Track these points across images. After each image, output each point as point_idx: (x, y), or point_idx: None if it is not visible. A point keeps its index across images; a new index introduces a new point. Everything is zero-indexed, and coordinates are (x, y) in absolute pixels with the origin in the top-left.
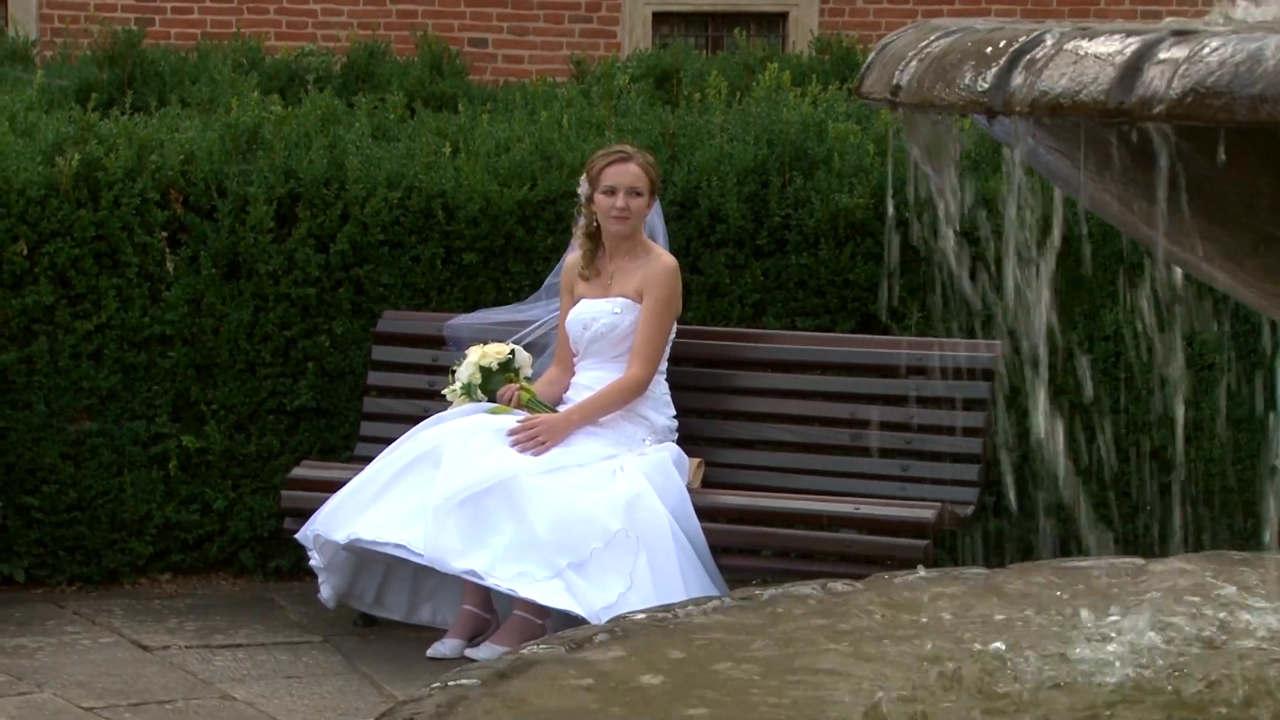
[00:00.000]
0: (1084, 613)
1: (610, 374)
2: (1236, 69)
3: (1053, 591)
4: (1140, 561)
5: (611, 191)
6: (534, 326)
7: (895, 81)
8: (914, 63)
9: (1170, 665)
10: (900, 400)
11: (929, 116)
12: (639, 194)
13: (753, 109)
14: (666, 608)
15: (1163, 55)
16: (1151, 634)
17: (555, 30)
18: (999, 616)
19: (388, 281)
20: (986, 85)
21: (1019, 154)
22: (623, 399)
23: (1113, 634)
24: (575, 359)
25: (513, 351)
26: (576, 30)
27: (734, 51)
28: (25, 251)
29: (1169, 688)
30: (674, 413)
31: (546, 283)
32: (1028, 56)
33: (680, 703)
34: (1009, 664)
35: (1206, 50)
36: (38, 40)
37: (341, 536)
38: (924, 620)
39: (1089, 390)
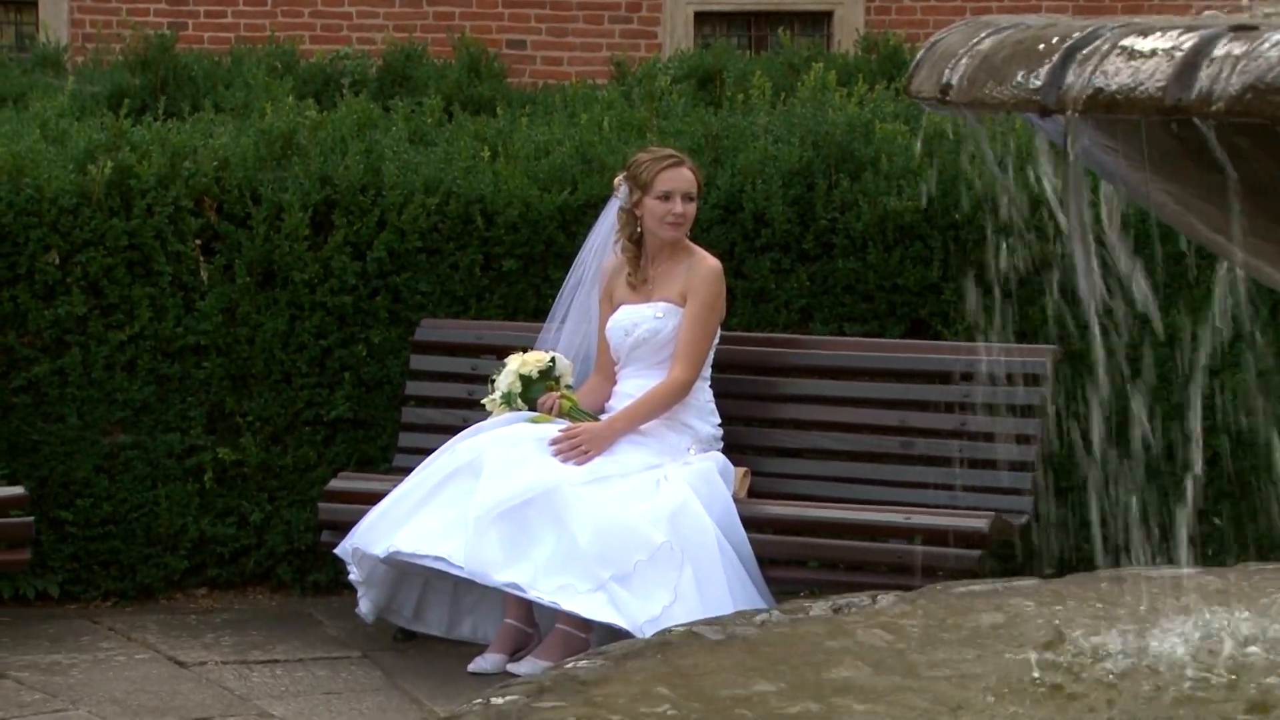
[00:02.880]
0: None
1: (654, 381)
2: None
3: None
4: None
5: (667, 197)
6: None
7: (945, 80)
8: (964, 60)
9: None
10: (951, 407)
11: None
12: (691, 199)
13: (797, 110)
14: (713, 620)
15: (1220, 51)
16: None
17: (595, 31)
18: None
19: (425, 289)
20: (1039, 83)
21: (1072, 153)
22: (666, 403)
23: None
24: (616, 367)
25: (553, 359)
26: (616, 31)
27: (778, 51)
28: (57, 261)
29: None
30: (719, 421)
31: (563, 300)
32: (1081, 53)
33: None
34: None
35: (1266, 45)
36: (69, 46)
37: (380, 550)
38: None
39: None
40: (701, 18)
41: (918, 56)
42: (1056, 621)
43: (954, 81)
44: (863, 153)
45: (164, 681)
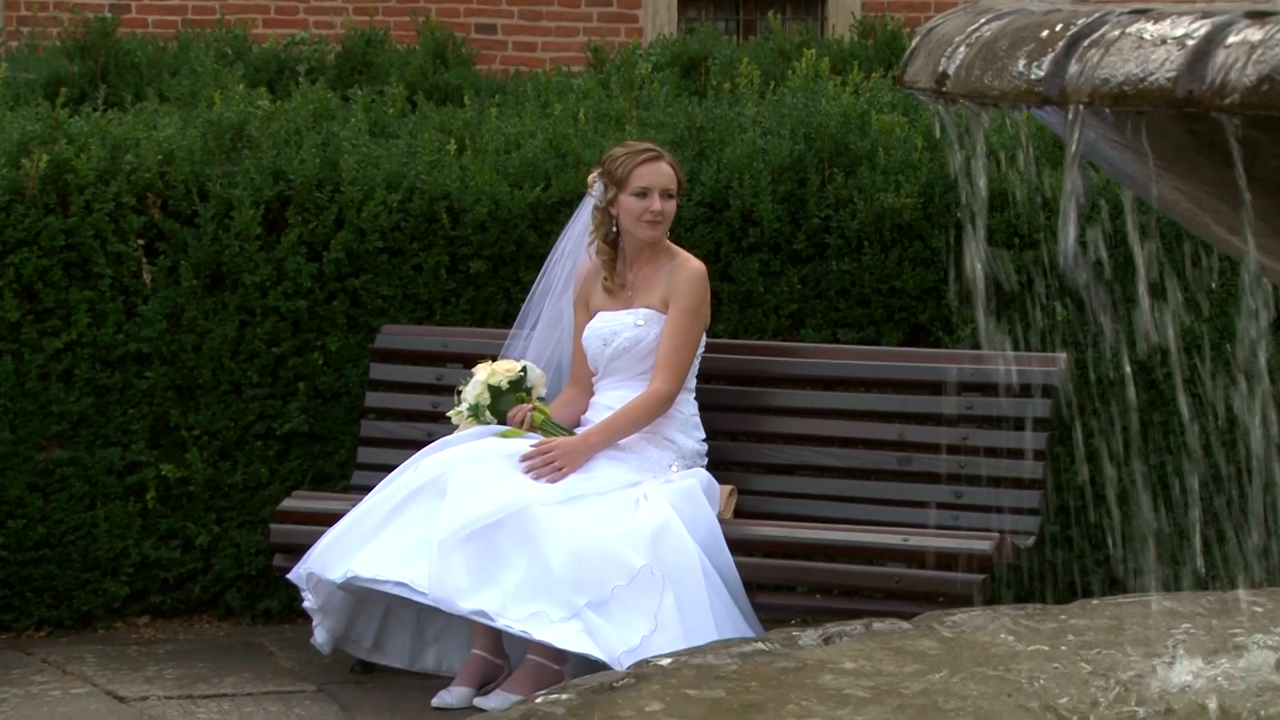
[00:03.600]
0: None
1: (634, 393)
2: None
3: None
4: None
5: (643, 194)
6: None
7: (942, 70)
8: (962, 49)
9: None
10: (953, 420)
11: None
12: (671, 196)
13: (788, 100)
14: (696, 650)
15: (1235, 38)
16: None
17: (571, 15)
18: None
19: (387, 293)
20: (1041, 73)
21: (1074, 148)
22: (646, 416)
23: None
24: (594, 378)
25: (524, 369)
26: (594, 14)
27: (768, 37)
28: None
29: None
30: (703, 435)
31: (533, 305)
32: (1087, 41)
33: None
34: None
35: None
36: (2, 30)
37: (337, 575)
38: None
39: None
40: (686, 1)
41: (912, 44)
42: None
43: (951, 71)
44: (858, 146)
45: (102, 718)
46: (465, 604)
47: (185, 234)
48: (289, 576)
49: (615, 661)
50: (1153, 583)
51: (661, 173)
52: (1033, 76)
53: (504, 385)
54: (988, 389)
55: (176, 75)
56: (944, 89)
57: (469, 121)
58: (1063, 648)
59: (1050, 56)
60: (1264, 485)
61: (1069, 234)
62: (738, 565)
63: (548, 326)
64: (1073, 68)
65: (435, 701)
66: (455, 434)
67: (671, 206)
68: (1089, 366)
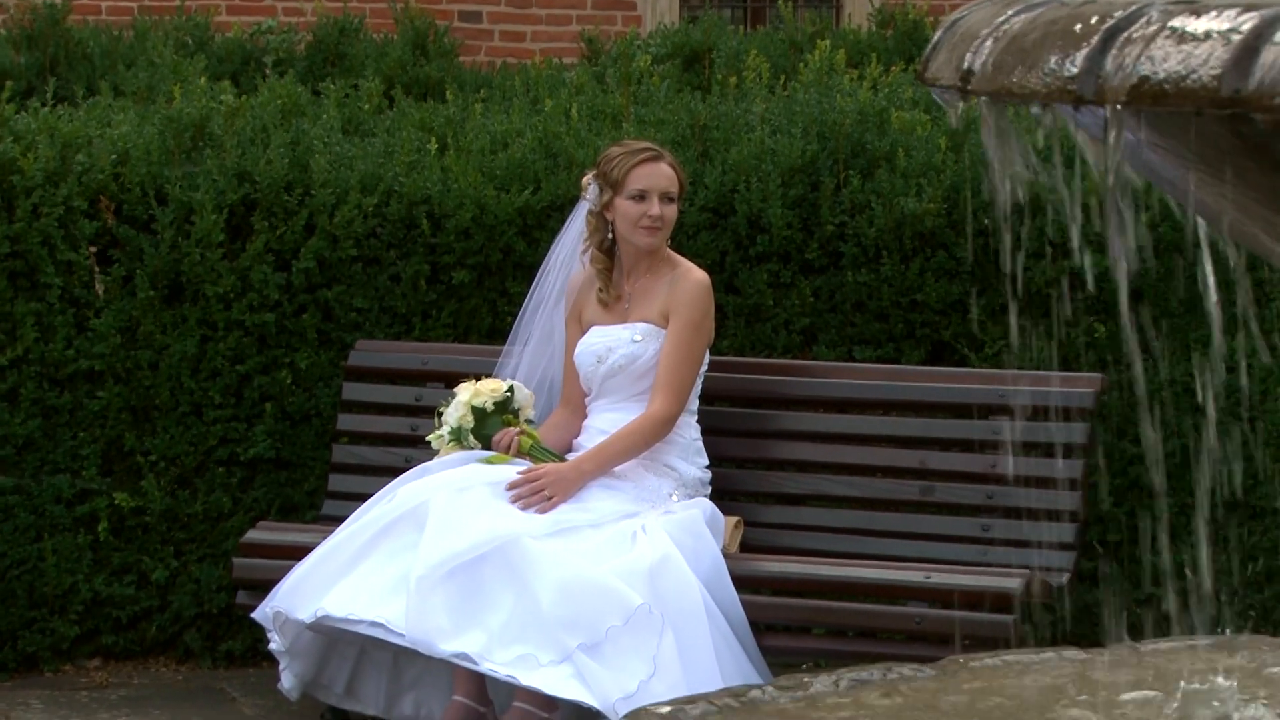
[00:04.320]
0: None
1: (630, 415)
2: None
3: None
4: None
5: (641, 197)
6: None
7: (967, 66)
8: (989, 43)
9: None
10: (980, 446)
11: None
12: (671, 200)
13: (800, 95)
14: (698, 697)
15: None
16: None
17: (563, 1)
18: None
19: (361, 305)
20: (1075, 70)
21: (1113, 153)
22: (644, 440)
23: None
24: (587, 399)
25: (511, 388)
26: (589, 2)
27: (778, 26)
28: None
29: None
30: (706, 462)
31: (525, 320)
32: (1124, 35)
33: None
34: None
35: None
36: None
37: (306, 614)
38: None
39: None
40: None
41: (935, 38)
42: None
43: (976, 68)
44: (877, 146)
45: None
46: (446, 646)
47: (141, 241)
48: (254, 615)
49: (610, 709)
50: (1197, 624)
51: (661, 174)
52: (1065, 74)
53: (489, 407)
54: (1018, 412)
55: (132, 67)
56: (969, 87)
57: (451, 118)
58: (1102, 694)
59: (1084, 52)
60: None
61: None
62: (744, 604)
63: (539, 343)
64: (1109, 64)
65: None
66: (435, 460)
67: (672, 211)
68: (1126, 388)
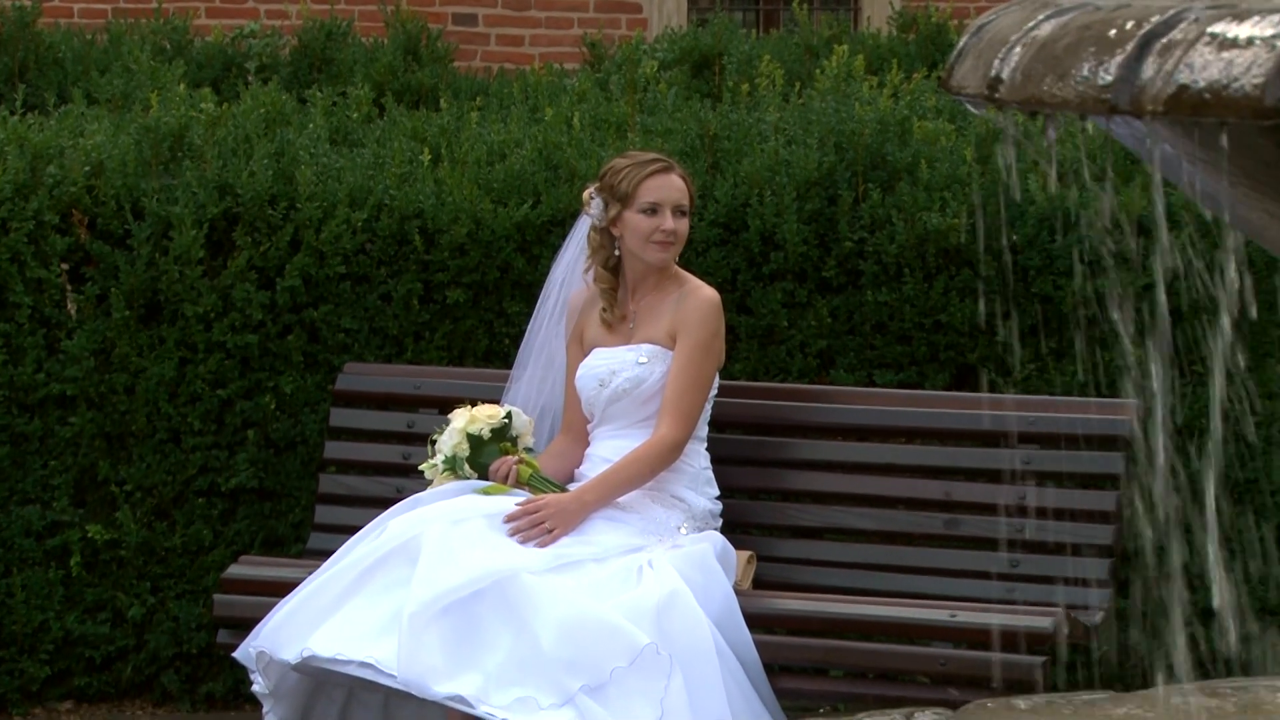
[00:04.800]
0: None
1: (635, 443)
2: None
3: None
4: None
5: (653, 210)
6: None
7: (994, 73)
8: (1018, 49)
9: None
10: (1009, 476)
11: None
12: (684, 213)
13: (816, 104)
14: None
15: None
16: None
17: (564, 4)
18: None
19: (350, 326)
20: (1110, 78)
21: (1155, 166)
22: (650, 468)
23: None
24: (589, 425)
25: (509, 415)
26: (591, 4)
27: (792, 30)
28: None
29: None
30: (717, 493)
31: (529, 341)
32: (1161, 41)
33: None
34: None
35: None
36: None
37: (292, 654)
38: None
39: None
40: None
41: (960, 43)
42: None
43: (1005, 76)
44: (898, 157)
45: None
46: (440, 687)
47: (116, 257)
48: (235, 656)
49: None
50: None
51: (673, 186)
52: (1099, 82)
53: (485, 434)
54: (1049, 440)
55: (106, 73)
56: (996, 96)
57: (446, 128)
58: None
59: (1119, 59)
60: None
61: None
62: (757, 644)
63: (540, 367)
64: (1145, 72)
65: None
66: (429, 491)
67: (685, 225)
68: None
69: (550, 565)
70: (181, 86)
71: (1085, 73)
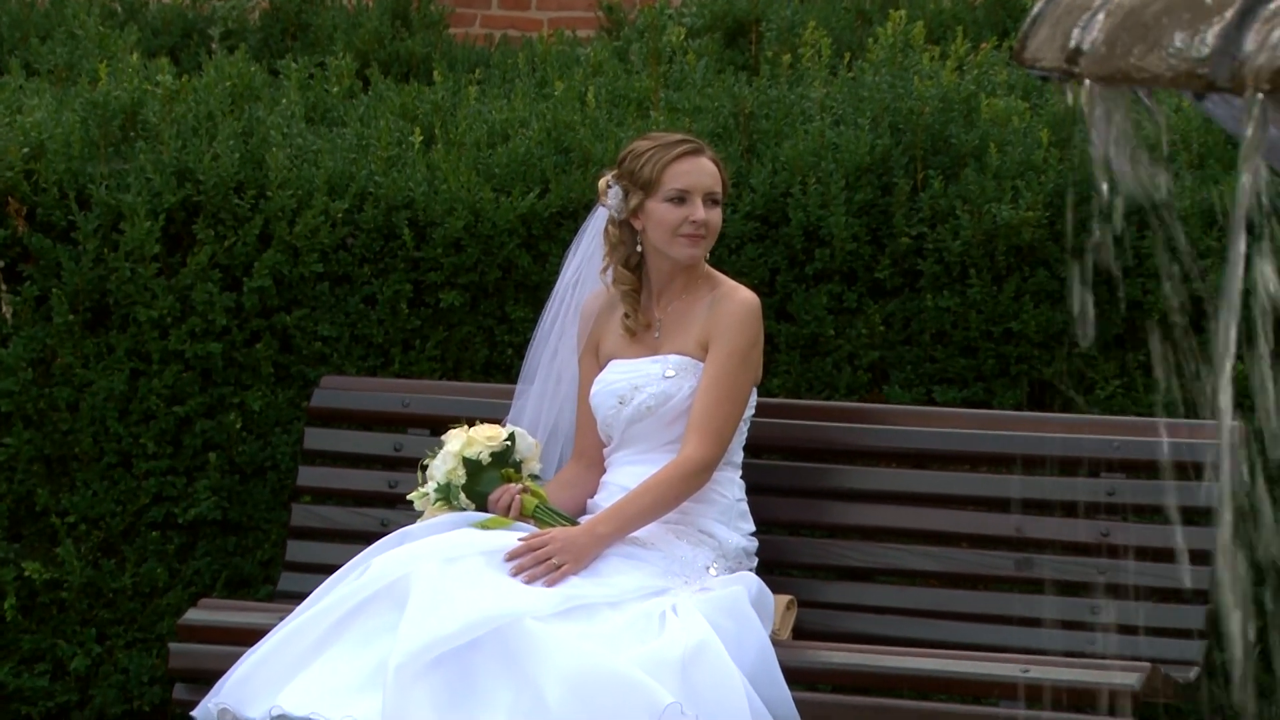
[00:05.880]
0: None
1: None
2: None
3: None
4: None
5: (681, 199)
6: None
7: (1074, 44)
8: (1100, 16)
9: None
10: (1089, 510)
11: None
12: (716, 202)
13: (869, 78)
14: None
15: None
16: None
17: None
18: None
19: (328, 333)
20: (1207, 49)
21: (1253, 148)
22: (674, 493)
23: None
24: (606, 449)
25: (512, 436)
26: None
27: None
28: None
29: None
30: (752, 528)
31: (535, 351)
32: (1268, 8)
33: None
34: None
35: None
36: None
37: (259, 712)
38: None
39: None
40: None
41: (1035, 9)
42: None
43: (1086, 46)
44: (963, 140)
45: None
46: None
47: (59, 253)
48: (194, 715)
49: None
50: None
51: (705, 171)
52: (1195, 55)
53: (485, 458)
54: (1137, 468)
55: (48, 40)
56: (1076, 69)
57: (440, 104)
58: None
59: (1217, 28)
60: None
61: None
62: (798, 702)
63: (548, 382)
64: (1248, 43)
65: None
66: (419, 523)
67: (717, 216)
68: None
69: (558, 609)
70: (134, 56)
71: (1178, 43)
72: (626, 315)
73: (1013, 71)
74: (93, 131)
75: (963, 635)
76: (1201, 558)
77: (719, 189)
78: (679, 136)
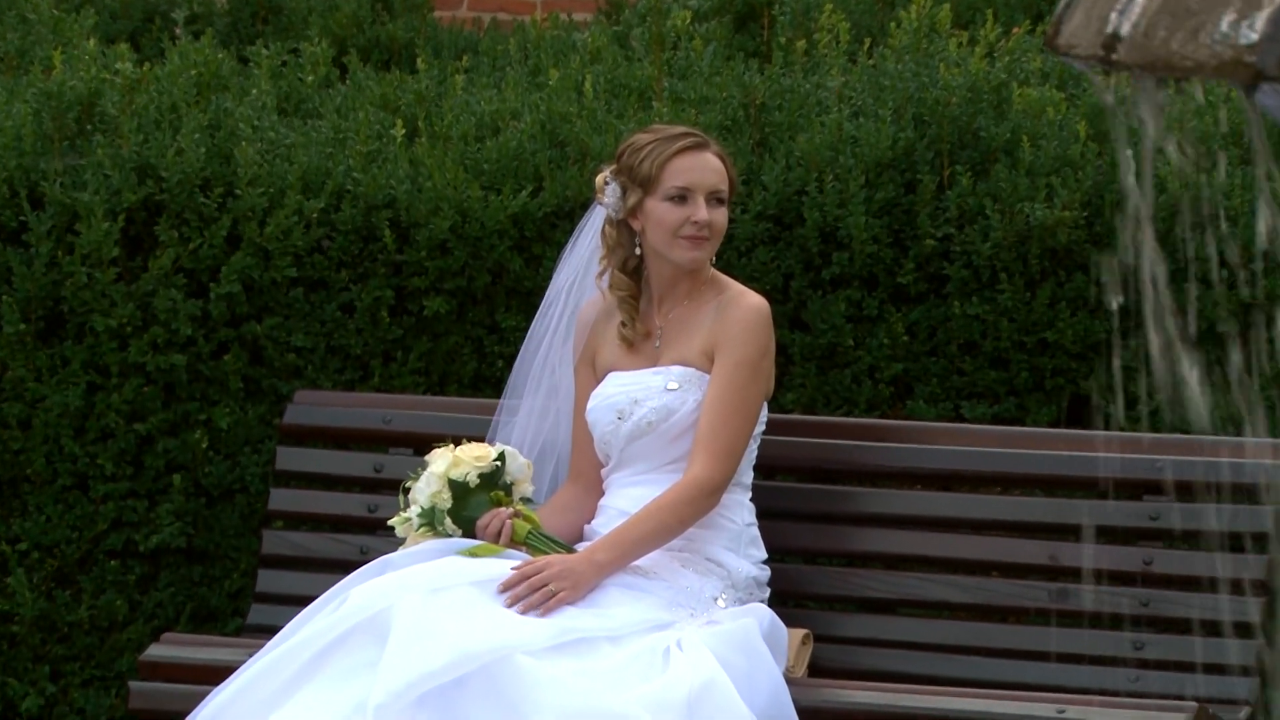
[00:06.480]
0: None
1: (663, 491)
2: None
3: None
4: None
5: (682, 197)
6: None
7: (1111, 29)
8: (1140, 1)
9: None
10: (1132, 535)
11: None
12: (721, 201)
13: (891, 65)
14: None
15: None
16: None
17: None
18: None
19: (303, 344)
20: (1254, 36)
21: None
22: (679, 517)
23: None
24: (604, 470)
25: (502, 456)
26: None
27: None
28: None
29: None
30: (764, 556)
31: (527, 363)
32: None
33: None
34: None
35: None
36: None
37: None
38: None
39: None
40: None
41: None
42: None
43: (1125, 32)
44: (993, 134)
45: None
46: None
47: (9, 257)
48: None
49: None
50: None
51: (708, 167)
52: (1242, 41)
53: (472, 480)
54: (1184, 490)
55: None
56: (1114, 57)
57: (424, 94)
58: None
59: (1267, 12)
60: None
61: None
62: None
63: (539, 395)
64: None
65: None
66: (401, 551)
67: (722, 216)
68: None
69: (553, 643)
70: (91, 42)
71: (1224, 29)
72: (623, 324)
73: (1047, 59)
74: (46, 124)
75: (994, 672)
76: (1252, 587)
77: (724, 187)
78: (682, 129)
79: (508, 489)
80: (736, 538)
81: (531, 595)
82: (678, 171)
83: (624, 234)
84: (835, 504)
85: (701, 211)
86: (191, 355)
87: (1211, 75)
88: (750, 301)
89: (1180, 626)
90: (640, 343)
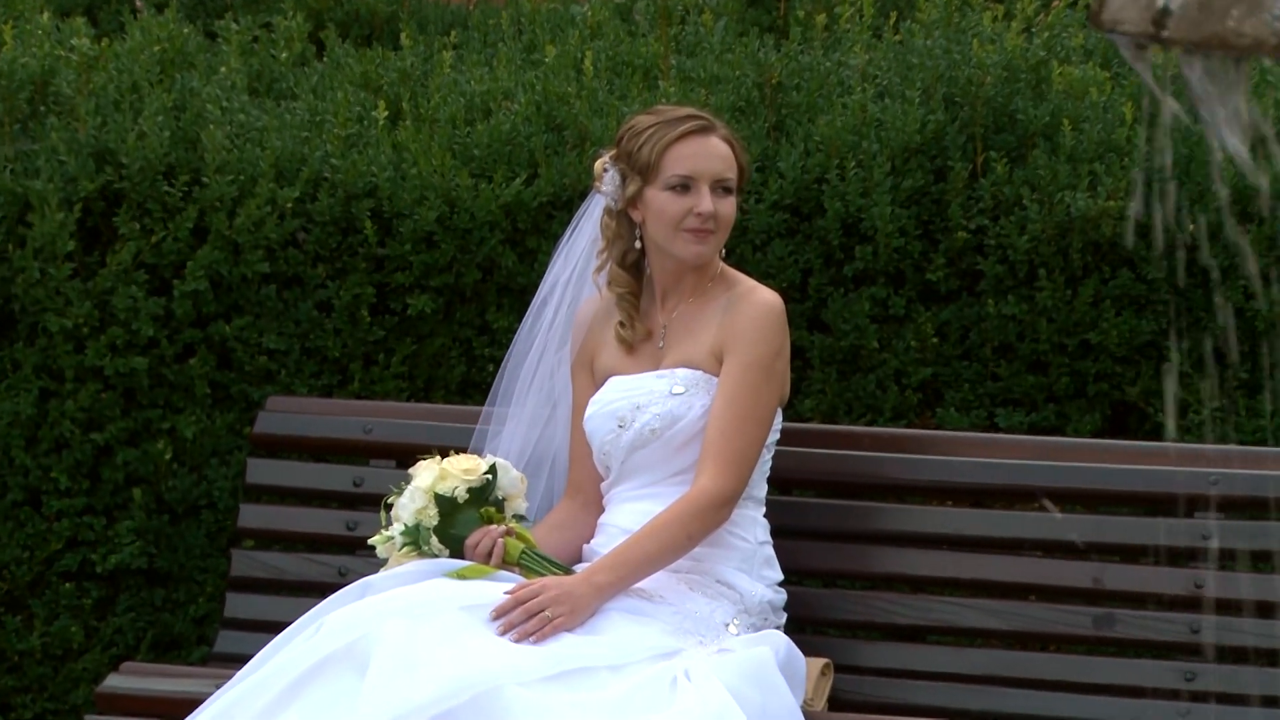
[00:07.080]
0: None
1: (669, 504)
2: None
3: None
4: None
5: (684, 187)
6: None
7: (1161, 4)
8: None
9: None
10: (1182, 556)
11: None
12: (729, 190)
13: (919, 42)
14: None
15: None
16: None
17: None
18: None
19: (275, 346)
20: None
21: None
22: (685, 534)
23: None
24: (604, 483)
25: (493, 468)
26: None
27: None
28: None
29: None
30: (779, 577)
31: (519, 366)
32: None
33: None
34: None
35: None
36: None
37: None
38: None
39: None
40: None
41: None
42: None
43: (1175, 7)
44: (1031, 117)
45: None
46: None
47: None
48: None
49: None
50: None
51: (714, 153)
52: None
53: (461, 495)
54: (1238, 506)
55: None
56: (1164, 34)
57: (408, 73)
58: None
59: None
60: None
61: None
62: None
63: (534, 403)
64: None
65: None
66: (383, 572)
67: (730, 207)
68: None
69: (549, 673)
70: (45, 16)
71: None
72: (624, 324)
73: (1090, 35)
74: None
75: (1031, 705)
76: None
77: (732, 175)
78: (687, 111)
79: (499, 505)
80: (749, 558)
81: (526, 621)
82: (679, 158)
83: (623, 225)
84: (857, 521)
85: (705, 202)
86: (154, 358)
87: (1269, 53)
88: (762, 297)
89: (1235, 655)
90: (641, 344)
